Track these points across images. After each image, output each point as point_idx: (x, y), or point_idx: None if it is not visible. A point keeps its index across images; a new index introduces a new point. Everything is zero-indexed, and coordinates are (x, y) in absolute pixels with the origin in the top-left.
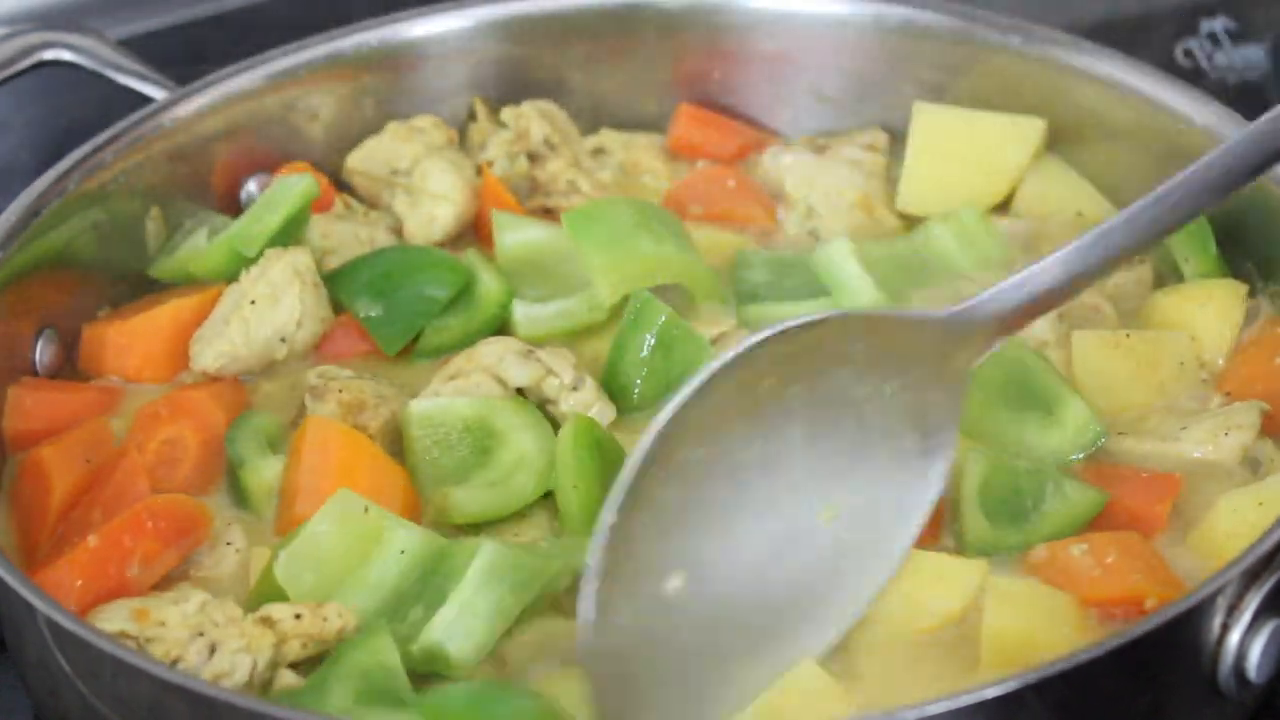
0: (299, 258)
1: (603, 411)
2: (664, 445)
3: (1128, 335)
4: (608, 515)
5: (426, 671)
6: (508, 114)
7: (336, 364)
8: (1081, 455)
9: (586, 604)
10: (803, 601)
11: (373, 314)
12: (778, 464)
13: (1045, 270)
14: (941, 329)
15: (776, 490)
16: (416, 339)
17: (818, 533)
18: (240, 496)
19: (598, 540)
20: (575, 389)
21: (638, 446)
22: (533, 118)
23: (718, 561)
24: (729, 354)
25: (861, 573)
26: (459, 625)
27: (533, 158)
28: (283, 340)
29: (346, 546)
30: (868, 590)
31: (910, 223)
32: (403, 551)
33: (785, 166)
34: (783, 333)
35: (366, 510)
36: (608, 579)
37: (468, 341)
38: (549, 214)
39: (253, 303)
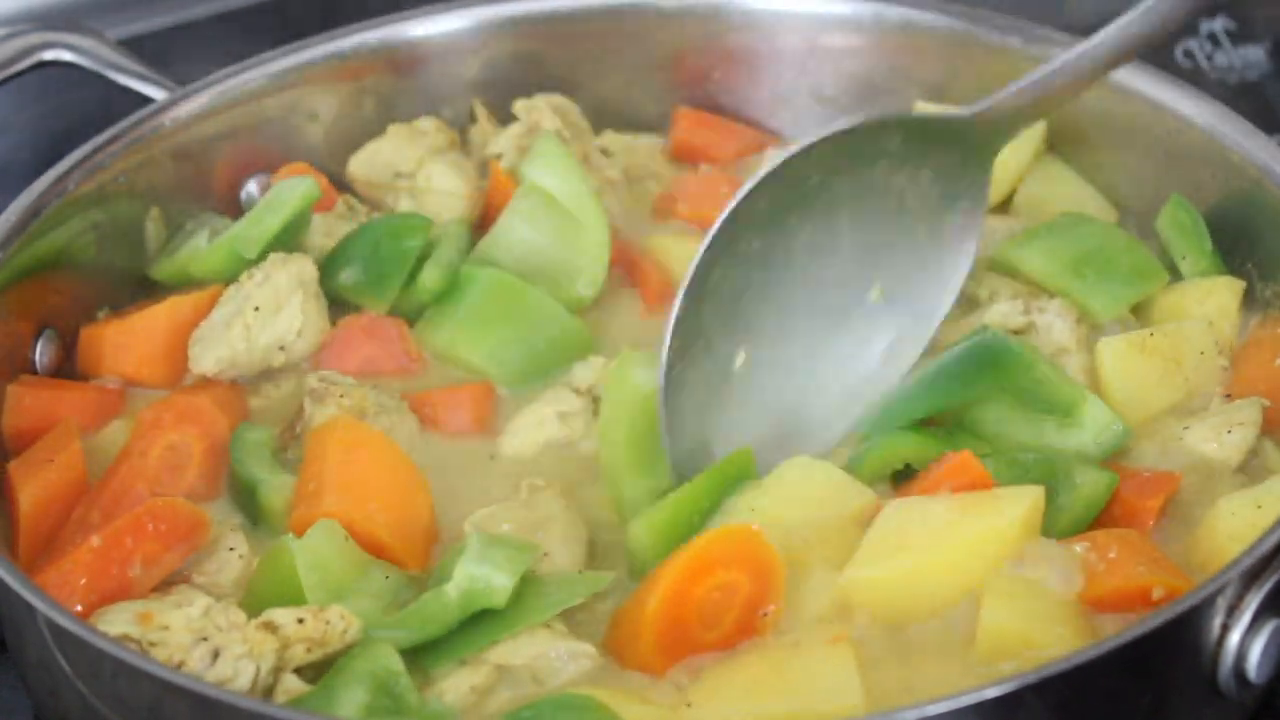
0: (304, 267)
1: None
2: (724, 239)
3: (1151, 334)
4: (676, 305)
5: (471, 615)
6: (520, 105)
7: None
8: (1106, 454)
9: (660, 382)
10: (853, 376)
11: (354, 279)
12: (828, 248)
13: (1045, 77)
14: (966, 124)
15: (827, 271)
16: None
17: (869, 310)
18: (257, 514)
19: (668, 327)
20: None
21: (702, 241)
22: (544, 111)
23: (777, 339)
24: (779, 158)
25: (906, 343)
26: (483, 565)
27: None
28: (281, 349)
29: (340, 565)
30: (908, 360)
31: None
32: (387, 577)
33: None
34: (826, 138)
35: (346, 539)
36: (678, 359)
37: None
38: None
39: (256, 309)
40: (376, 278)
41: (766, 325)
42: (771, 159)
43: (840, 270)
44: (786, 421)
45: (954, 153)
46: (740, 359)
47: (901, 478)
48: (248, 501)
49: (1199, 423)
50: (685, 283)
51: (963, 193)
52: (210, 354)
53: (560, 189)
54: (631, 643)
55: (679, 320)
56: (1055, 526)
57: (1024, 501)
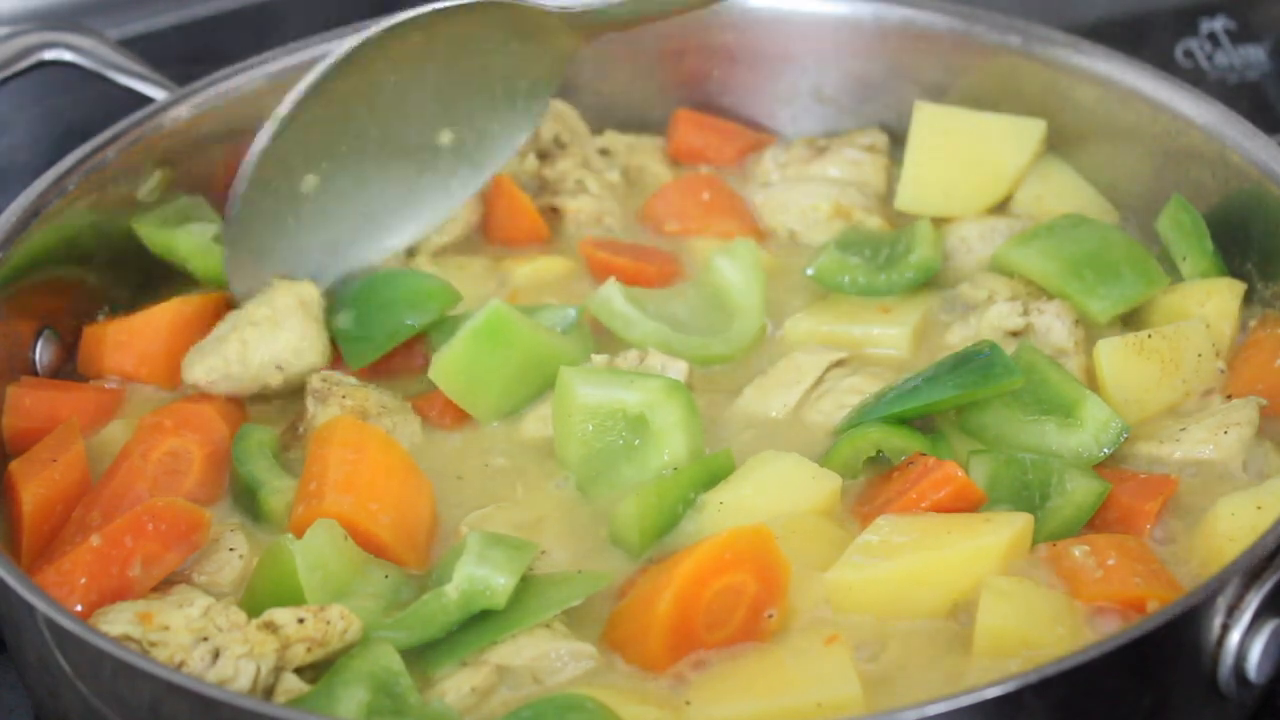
0: (305, 290)
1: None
2: (318, 85)
3: (1149, 336)
4: (262, 141)
5: (471, 615)
6: None
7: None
8: (1107, 452)
9: (234, 199)
10: (408, 202)
11: (344, 326)
12: (414, 90)
13: None
14: (556, 21)
15: (407, 110)
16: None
17: (437, 149)
18: (259, 516)
19: (252, 161)
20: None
21: (298, 86)
22: (544, 116)
23: (349, 164)
24: (381, 25)
25: (461, 186)
26: (483, 566)
27: (542, 156)
28: (279, 368)
29: (340, 565)
30: (458, 199)
31: (899, 221)
32: (386, 576)
33: (760, 200)
34: (437, 10)
35: (346, 539)
36: (254, 185)
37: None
38: (555, 212)
39: (253, 324)
40: (362, 337)
41: (341, 152)
42: (373, 27)
43: (420, 111)
44: (344, 234)
45: (541, 39)
46: (311, 182)
47: (876, 466)
48: (250, 503)
49: (1195, 425)
50: (275, 121)
51: (541, 72)
52: (202, 363)
53: (735, 281)
54: (637, 640)
55: (260, 157)
56: (1045, 528)
57: (1015, 524)
